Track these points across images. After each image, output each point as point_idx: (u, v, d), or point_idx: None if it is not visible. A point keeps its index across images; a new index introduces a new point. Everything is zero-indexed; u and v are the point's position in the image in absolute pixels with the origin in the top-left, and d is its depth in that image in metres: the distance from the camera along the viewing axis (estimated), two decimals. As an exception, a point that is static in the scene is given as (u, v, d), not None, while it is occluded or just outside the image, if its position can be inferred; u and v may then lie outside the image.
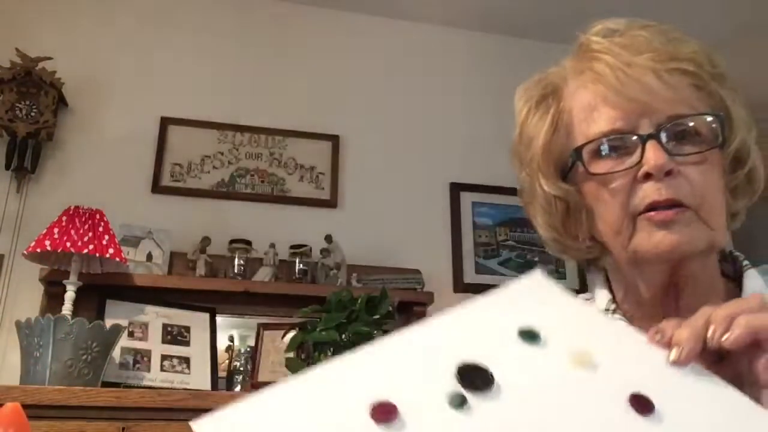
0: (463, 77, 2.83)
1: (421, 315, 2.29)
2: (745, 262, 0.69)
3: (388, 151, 2.63)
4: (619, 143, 0.63)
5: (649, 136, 0.61)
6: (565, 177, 0.69)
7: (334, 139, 2.57)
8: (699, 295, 0.64)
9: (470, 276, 2.51)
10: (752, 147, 0.66)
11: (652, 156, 0.60)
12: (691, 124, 0.62)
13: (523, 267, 2.59)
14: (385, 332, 2.08)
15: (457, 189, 2.63)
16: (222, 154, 2.46)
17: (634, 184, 0.62)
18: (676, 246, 0.60)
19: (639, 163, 0.61)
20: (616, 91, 0.63)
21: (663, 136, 0.61)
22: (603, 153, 0.64)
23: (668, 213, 0.60)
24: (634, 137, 0.62)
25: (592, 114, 0.65)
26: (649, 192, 0.61)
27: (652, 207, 0.61)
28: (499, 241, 2.61)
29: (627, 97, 0.62)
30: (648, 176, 0.61)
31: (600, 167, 0.64)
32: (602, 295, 0.71)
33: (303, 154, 2.53)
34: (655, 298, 0.66)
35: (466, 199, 2.63)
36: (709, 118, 0.62)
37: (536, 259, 2.60)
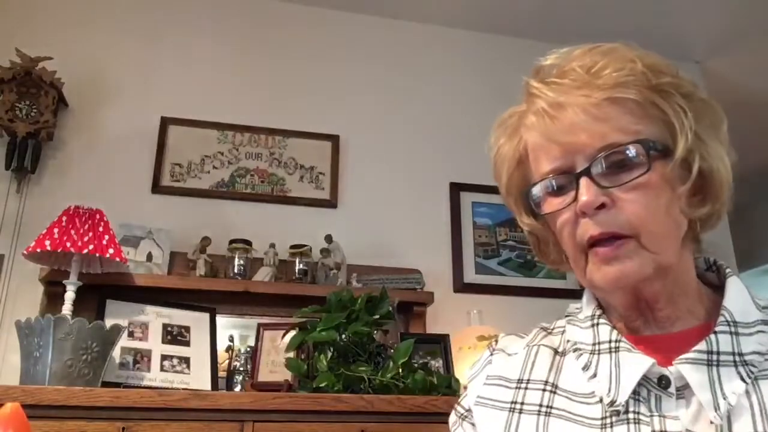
0: (463, 77, 2.83)
1: (421, 315, 2.29)
2: (728, 270, 0.71)
3: (388, 151, 2.63)
4: (561, 181, 0.66)
5: (581, 173, 0.64)
6: (533, 211, 0.72)
7: (334, 139, 2.57)
8: (677, 304, 0.67)
9: (470, 276, 2.51)
10: (707, 150, 0.65)
11: (584, 192, 0.63)
12: (622, 151, 0.63)
13: (523, 267, 2.60)
14: (385, 332, 2.10)
15: (457, 189, 2.63)
16: (222, 154, 2.46)
17: (577, 220, 0.65)
18: (620, 278, 0.63)
19: (575, 200, 0.64)
20: (547, 137, 0.66)
21: (594, 170, 0.63)
22: (551, 191, 0.67)
23: (608, 249, 0.63)
24: (570, 175, 0.65)
25: (538, 155, 0.69)
26: (586, 228, 0.64)
27: (594, 242, 0.64)
28: (498, 241, 2.61)
29: (555, 141, 0.65)
30: (584, 213, 0.63)
31: (549, 205, 0.68)
32: (589, 304, 0.73)
33: (303, 154, 2.53)
34: (630, 312, 0.69)
35: (466, 199, 2.63)
36: (637, 145, 0.63)
37: (536, 259, 2.60)
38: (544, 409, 0.69)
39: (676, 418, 0.61)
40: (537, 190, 0.69)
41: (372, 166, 2.59)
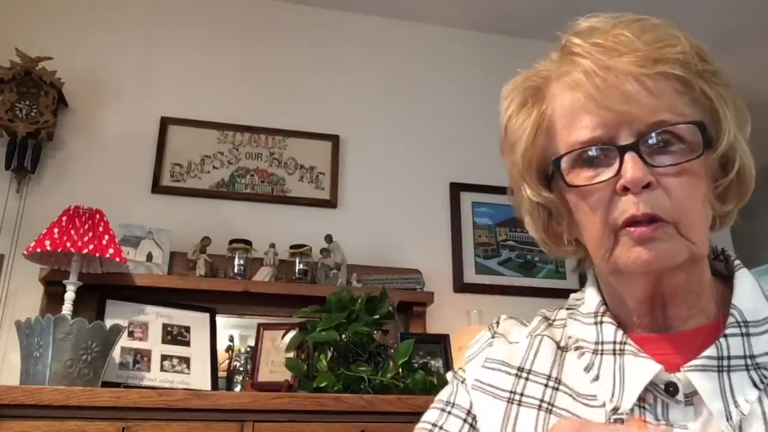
0: (463, 77, 2.83)
1: (421, 315, 2.29)
2: (737, 262, 0.67)
3: (388, 151, 2.63)
4: (598, 153, 0.61)
5: (628, 147, 0.59)
6: (548, 183, 0.67)
7: (334, 139, 2.57)
8: (690, 303, 0.63)
9: (470, 276, 2.51)
10: (742, 147, 0.63)
11: (630, 169, 0.58)
12: (673, 132, 0.59)
13: (523, 267, 2.60)
14: (385, 332, 2.09)
15: (457, 189, 2.63)
16: (222, 154, 2.46)
17: (613, 197, 0.60)
18: (654, 262, 0.59)
19: (617, 174, 0.59)
20: (594, 100, 0.60)
21: (642, 147, 0.59)
22: (582, 163, 0.62)
23: (646, 230, 0.58)
24: (613, 148, 0.60)
25: (572, 121, 0.62)
26: (627, 206, 0.59)
27: (631, 222, 0.59)
28: (499, 241, 2.61)
29: (605, 107, 0.60)
30: (626, 189, 0.59)
31: (579, 178, 0.62)
32: (592, 297, 0.69)
33: (303, 154, 2.53)
34: (641, 307, 0.64)
35: (466, 199, 2.63)
36: (692, 126, 0.59)
37: (536, 259, 2.60)
38: (545, 405, 0.65)
39: (684, 427, 0.57)
40: (566, 160, 0.63)
41: (372, 166, 2.59)
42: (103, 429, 1.51)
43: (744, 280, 0.65)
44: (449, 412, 0.72)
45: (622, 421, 0.59)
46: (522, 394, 0.67)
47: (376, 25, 2.83)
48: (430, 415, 0.74)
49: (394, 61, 2.79)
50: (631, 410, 0.59)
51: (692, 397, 0.58)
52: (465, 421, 0.70)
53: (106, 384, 1.73)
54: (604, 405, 0.61)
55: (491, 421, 0.67)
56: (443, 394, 0.75)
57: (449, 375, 0.77)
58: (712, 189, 0.63)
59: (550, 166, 0.66)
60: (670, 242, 0.58)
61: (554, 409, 0.64)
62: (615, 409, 0.60)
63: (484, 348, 0.74)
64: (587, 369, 0.65)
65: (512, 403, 0.67)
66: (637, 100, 0.58)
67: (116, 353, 1.85)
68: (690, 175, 0.59)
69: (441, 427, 0.71)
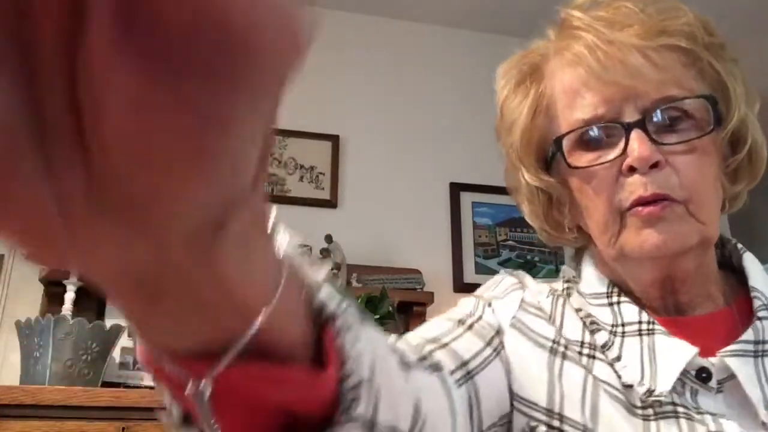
0: (463, 77, 2.83)
1: (421, 315, 2.29)
2: (740, 245, 0.64)
3: (388, 151, 2.63)
4: (602, 132, 0.58)
5: (634, 125, 0.56)
6: (548, 166, 0.64)
7: (334, 139, 2.57)
8: (699, 288, 0.60)
9: (470, 276, 2.51)
10: (753, 123, 0.60)
11: (637, 147, 0.55)
12: (681, 107, 0.56)
13: (523, 267, 2.59)
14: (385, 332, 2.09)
15: (457, 189, 2.63)
16: (222, 154, 2.46)
17: (618, 177, 0.57)
18: (663, 244, 0.55)
19: (623, 154, 0.56)
20: (597, 76, 0.57)
21: (649, 124, 0.55)
22: (585, 143, 0.59)
23: (654, 209, 0.55)
24: (618, 126, 0.57)
25: (574, 99, 0.59)
26: (634, 187, 0.55)
27: (639, 203, 0.55)
28: (498, 241, 2.61)
29: (608, 82, 0.56)
30: (633, 169, 0.55)
31: (582, 159, 0.59)
32: (595, 277, 0.64)
33: (303, 154, 2.53)
34: (650, 290, 0.60)
35: (466, 199, 2.63)
36: (701, 101, 0.56)
37: (536, 259, 2.60)
38: (587, 367, 0.58)
39: (720, 416, 0.53)
40: (568, 140, 0.59)
41: (372, 166, 2.59)
42: (103, 429, 1.51)
43: (753, 265, 0.62)
44: (473, 323, 0.60)
45: (660, 403, 0.54)
46: (566, 347, 0.59)
47: (376, 25, 2.83)
48: (461, 310, 0.61)
49: (394, 62, 2.79)
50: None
51: (723, 384, 0.54)
52: (494, 337, 0.59)
53: (106, 384, 1.74)
54: (631, 387, 0.55)
55: (531, 369, 0.58)
56: (462, 309, 0.62)
57: (469, 301, 0.64)
58: (723, 168, 0.60)
59: (550, 148, 0.62)
60: (679, 223, 0.55)
61: (595, 378, 0.58)
62: (650, 392, 0.54)
63: (515, 290, 0.64)
64: (605, 347, 0.58)
65: (556, 354, 0.59)
66: (643, 74, 0.55)
67: (116, 353, 1.85)
68: (700, 152, 0.56)
69: (470, 326, 0.59)
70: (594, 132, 0.58)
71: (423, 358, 0.45)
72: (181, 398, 0.27)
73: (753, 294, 0.58)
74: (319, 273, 0.31)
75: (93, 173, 0.17)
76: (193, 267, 0.21)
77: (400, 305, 2.14)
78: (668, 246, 0.55)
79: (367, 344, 0.31)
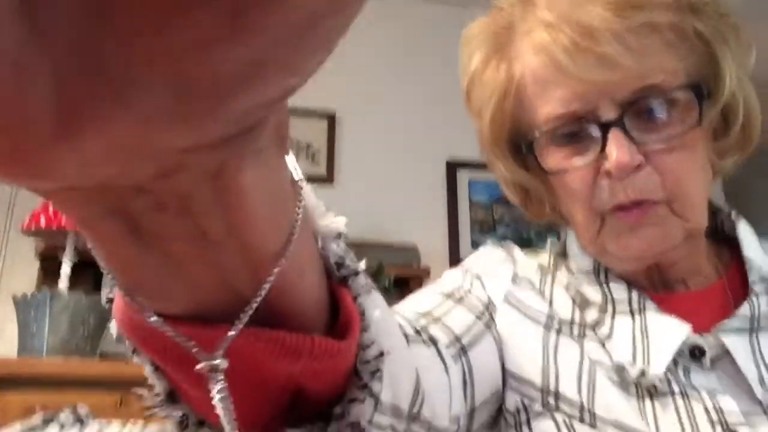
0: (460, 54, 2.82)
1: (417, 290, 2.30)
2: (732, 214, 0.61)
3: (384, 129, 2.62)
4: (577, 128, 0.53)
5: (612, 124, 0.50)
6: (522, 156, 0.59)
7: (330, 116, 2.56)
8: (688, 264, 0.58)
9: (466, 252, 2.51)
10: (745, 91, 0.55)
11: (615, 152, 0.50)
12: (664, 96, 0.51)
13: (518, 244, 2.60)
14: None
15: (453, 166, 2.63)
16: (218, 130, 2.45)
17: (597, 179, 0.52)
18: (648, 248, 0.52)
19: (601, 153, 0.51)
20: (564, 70, 0.50)
21: (628, 120, 0.50)
22: (559, 140, 0.54)
23: (636, 215, 0.51)
24: (593, 125, 0.51)
25: (544, 90, 0.53)
26: (613, 193, 0.52)
27: (619, 208, 0.52)
28: (495, 218, 2.62)
29: (578, 78, 0.50)
30: (611, 173, 0.51)
31: (557, 159, 0.54)
32: (581, 255, 0.61)
33: (299, 132, 2.52)
34: (634, 275, 0.58)
35: (463, 176, 2.63)
36: (688, 93, 0.51)
37: (532, 236, 2.61)
38: (580, 345, 0.55)
39: (715, 393, 0.50)
40: (539, 140, 0.54)
41: (368, 143, 2.59)
42: (100, 400, 1.52)
43: (748, 235, 0.59)
44: (463, 297, 0.57)
45: (655, 387, 0.51)
46: (561, 322, 0.57)
47: (372, 3, 2.79)
48: (445, 284, 0.59)
49: (391, 39, 2.77)
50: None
51: (717, 362, 0.52)
52: (484, 312, 0.56)
53: (103, 356, 1.74)
54: (623, 367, 0.53)
55: (526, 345, 0.56)
56: (449, 282, 0.60)
57: (454, 273, 0.63)
58: (712, 146, 0.56)
59: (522, 142, 0.57)
60: (663, 225, 0.52)
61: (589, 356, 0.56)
62: (642, 373, 0.51)
63: (505, 263, 0.62)
64: (596, 325, 0.56)
65: (550, 330, 0.56)
66: (619, 64, 0.49)
67: (113, 326, 1.86)
68: (684, 147, 0.52)
69: (460, 299, 0.56)
70: (568, 128, 0.53)
71: (418, 332, 0.43)
72: (169, 373, 0.24)
73: (748, 265, 0.56)
74: (333, 220, 0.26)
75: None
76: (213, 180, 0.17)
77: (396, 281, 2.15)
78: (653, 249, 0.53)
79: (385, 312, 0.27)
